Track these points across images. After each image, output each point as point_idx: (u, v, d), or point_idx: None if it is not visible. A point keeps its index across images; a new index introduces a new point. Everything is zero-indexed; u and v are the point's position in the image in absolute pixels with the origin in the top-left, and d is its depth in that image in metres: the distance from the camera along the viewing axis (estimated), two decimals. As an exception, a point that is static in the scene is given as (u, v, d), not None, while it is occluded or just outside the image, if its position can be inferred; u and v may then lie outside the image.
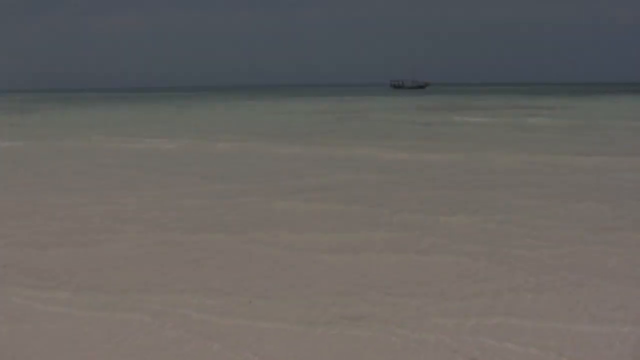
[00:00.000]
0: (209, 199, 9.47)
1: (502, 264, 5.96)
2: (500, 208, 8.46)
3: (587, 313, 4.77)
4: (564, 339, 4.34)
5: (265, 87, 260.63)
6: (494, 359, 4.07)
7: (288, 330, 4.59)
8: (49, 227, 7.78)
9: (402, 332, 4.52)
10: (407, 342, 4.36)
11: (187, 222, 7.93)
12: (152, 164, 13.97)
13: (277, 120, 30.42)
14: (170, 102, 65.89)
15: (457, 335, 4.45)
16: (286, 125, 26.22)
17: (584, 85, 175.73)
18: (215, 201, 9.32)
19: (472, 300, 5.07)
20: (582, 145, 16.28)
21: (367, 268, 5.96)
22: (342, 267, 6.03)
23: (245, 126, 26.47)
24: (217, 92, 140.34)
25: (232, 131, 23.26)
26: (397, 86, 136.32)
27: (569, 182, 10.57)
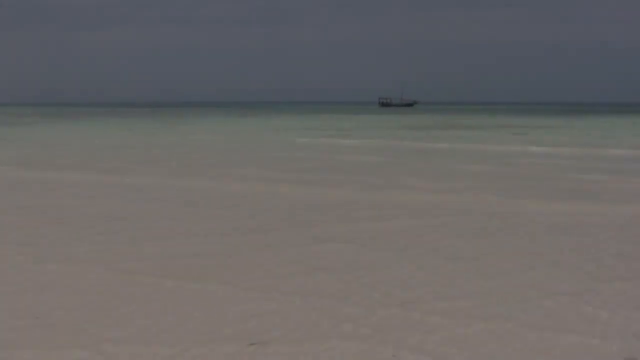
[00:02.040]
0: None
1: None
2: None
3: None
4: None
5: (255, 103, 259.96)
6: None
7: None
8: None
9: None
10: None
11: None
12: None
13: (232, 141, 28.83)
14: (140, 119, 64.42)
15: None
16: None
17: (574, 105, 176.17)
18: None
19: None
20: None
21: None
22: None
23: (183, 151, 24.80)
24: (208, 108, 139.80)
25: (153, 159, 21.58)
26: (385, 104, 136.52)
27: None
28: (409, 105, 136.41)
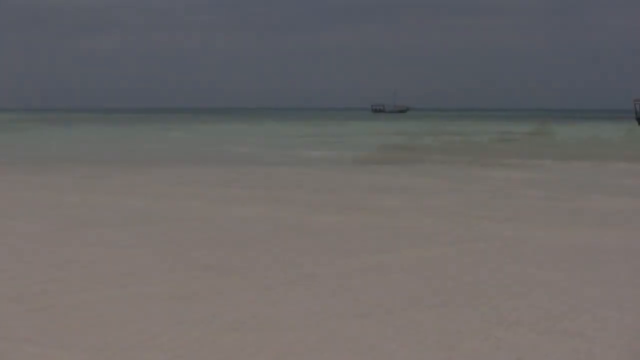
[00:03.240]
0: None
1: None
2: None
3: None
4: None
5: (249, 109, 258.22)
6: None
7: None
8: None
9: None
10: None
11: None
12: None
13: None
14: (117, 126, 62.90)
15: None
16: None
17: (570, 112, 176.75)
18: None
19: None
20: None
21: None
22: None
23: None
24: (202, 114, 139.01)
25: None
26: (378, 110, 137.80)
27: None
28: (402, 111, 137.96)
